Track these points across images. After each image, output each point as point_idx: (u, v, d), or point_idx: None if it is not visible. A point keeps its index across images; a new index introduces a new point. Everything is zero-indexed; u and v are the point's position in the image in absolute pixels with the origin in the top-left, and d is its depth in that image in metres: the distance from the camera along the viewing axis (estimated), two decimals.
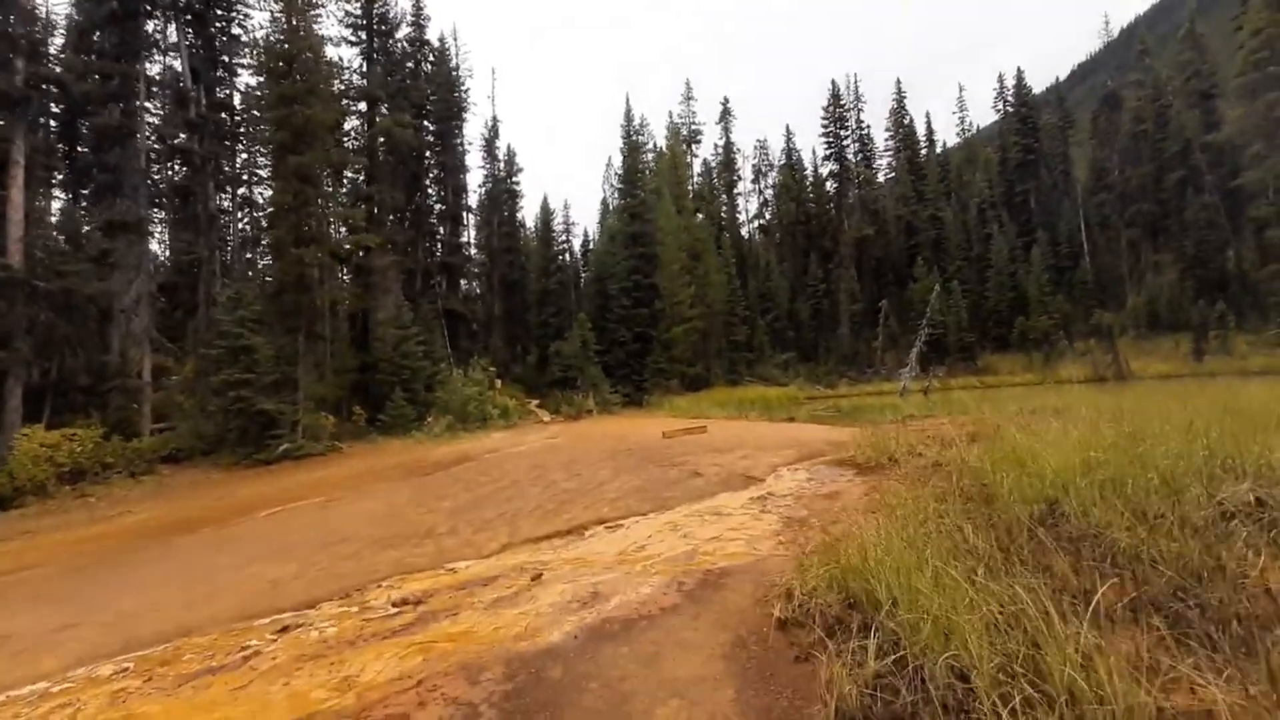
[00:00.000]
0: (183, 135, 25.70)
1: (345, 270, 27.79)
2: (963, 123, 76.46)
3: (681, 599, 4.34)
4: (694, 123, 60.09)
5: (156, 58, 26.54)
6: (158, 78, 26.89)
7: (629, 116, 37.09)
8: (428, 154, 32.85)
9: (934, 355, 43.30)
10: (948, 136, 77.41)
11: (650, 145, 55.91)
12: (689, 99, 60.14)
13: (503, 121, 46.32)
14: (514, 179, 47.15)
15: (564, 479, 9.80)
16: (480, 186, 46.38)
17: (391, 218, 33.15)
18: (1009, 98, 65.81)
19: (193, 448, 19.39)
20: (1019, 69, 63.59)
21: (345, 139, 27.24)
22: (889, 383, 43.71)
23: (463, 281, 37.46)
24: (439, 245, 33.77)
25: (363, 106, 27.80)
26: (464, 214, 36.55)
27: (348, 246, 24.78)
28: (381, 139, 27.59)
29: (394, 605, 5.16)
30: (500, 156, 45.61)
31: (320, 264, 21.39)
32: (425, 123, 32.92)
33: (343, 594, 5.63)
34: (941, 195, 59.89)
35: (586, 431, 19.92)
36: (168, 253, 30.32)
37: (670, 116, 57.28)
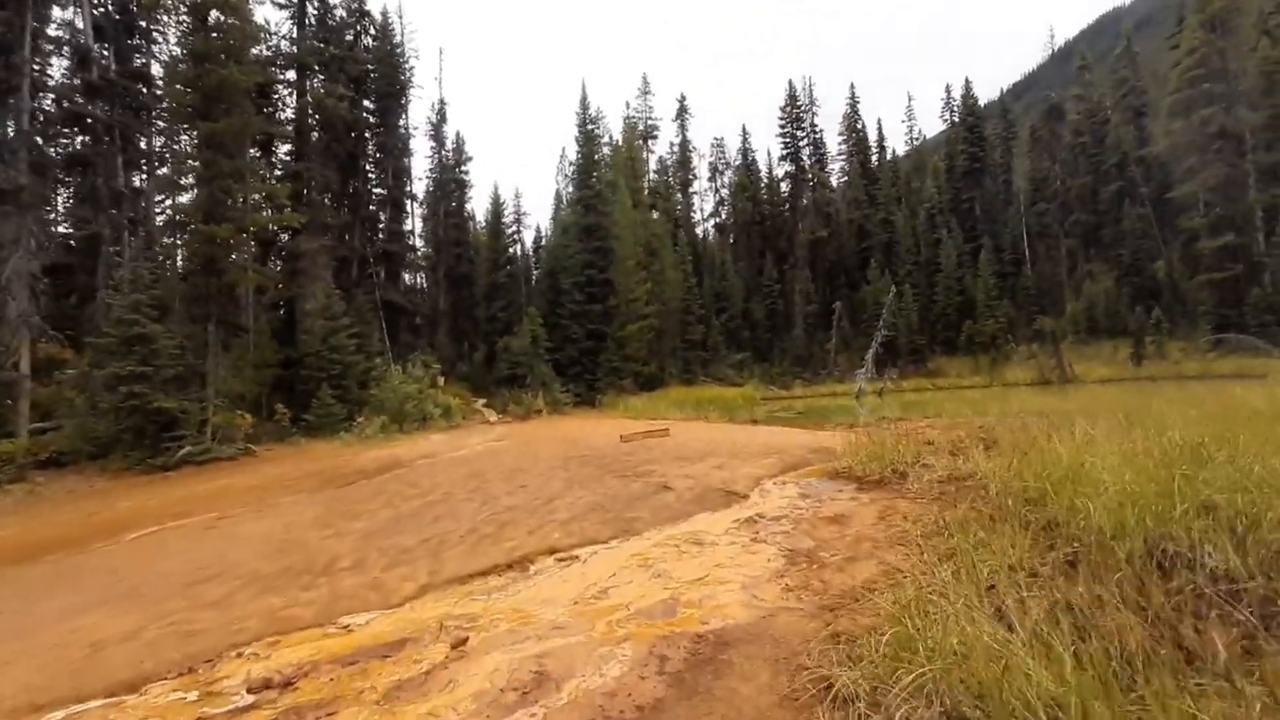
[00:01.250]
0: (80, 99, 22.79)
1: (271, 255, 25.25)
2: (911, 131, 77.94)
3: (666, 689, 2.96)
4: (650, 117, 59.01)
5: (58, 12, 23.55)
6: (63, 35, 23.87)
7: (584, 104, 35.56)
8: (367, 134, 30.46)
9: (886, 357, 43.36)
10: (897, 145, 79.02)
11: (606, 138, 54.54)
12: (646, 93, 59.03)
13: (450, 105, 43.89)
14: (463, 167, 44.93)
15: (507, 492, 8.28)
16: (428, 174, 43.95)
17: (328, 200, 30.69)
18: (955, 108, 67.39)
19: (79, 450, 16.85)
20: (966, 79, 65.06)
21: (272, 110, 24.72)
22: (843, 384, 43.53)
23: (406, 273, 35.09)
24: (379, 232, 31.37)
25: (291, 75, 25.35)
26: (406, 201, 34.19)
27: (272, 227, 22.37)
28: (313, 112, 25.21)
29: (250, 691, 3.59)
30: (448, 143, 43.33)
31: (235, 245, 19.05)
32: (365, 100, 30.53)
33: (185, 668, 4.01)
34: (893, 200, 60.59)
35: (535, 434, 18.34)
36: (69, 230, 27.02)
37: (627, 108, 55.90)
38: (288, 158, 25.01)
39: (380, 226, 31.30)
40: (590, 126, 35.57)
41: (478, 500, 8.02)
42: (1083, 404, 13.39)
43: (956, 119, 66.41)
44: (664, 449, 10.66)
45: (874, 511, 5.56)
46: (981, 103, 65.68)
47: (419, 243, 41.41)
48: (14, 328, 17.50)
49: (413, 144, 40.44)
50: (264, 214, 20.33)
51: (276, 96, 25.20)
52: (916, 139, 78.05)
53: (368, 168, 31.30)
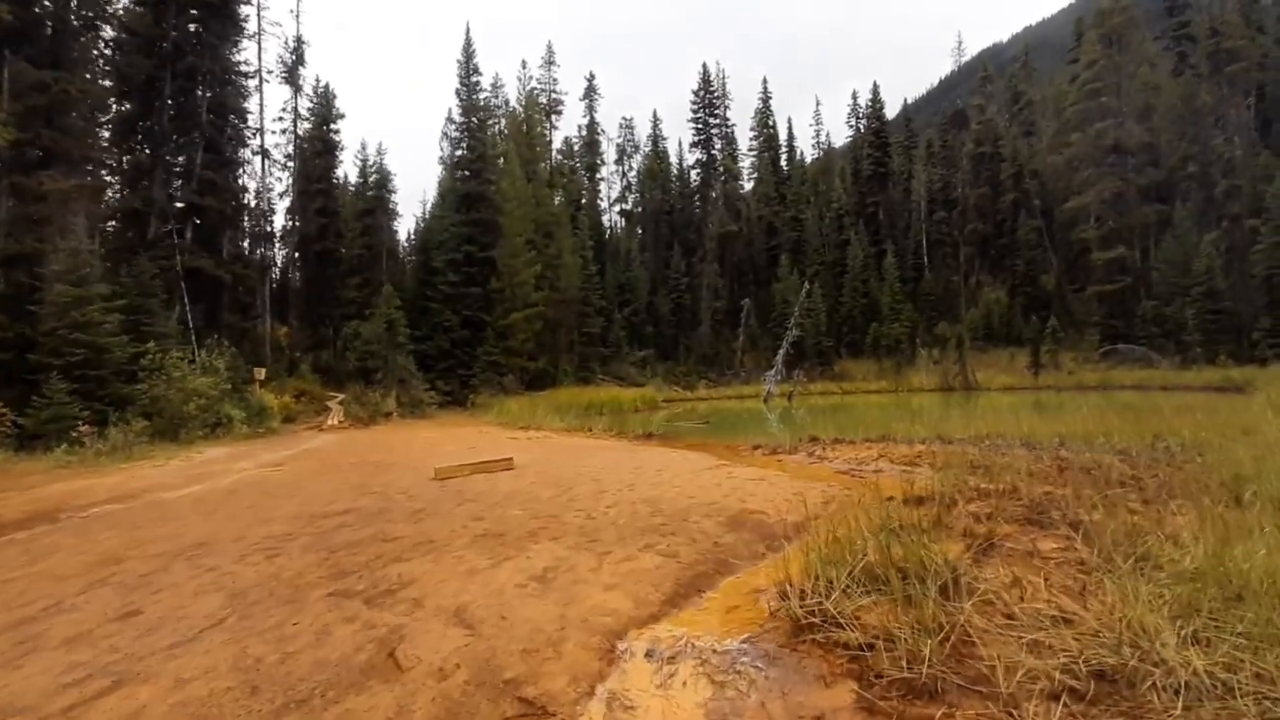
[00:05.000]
0: None
1: (3, 195, 18.32)
2: (819, 136, 77.80)
3: None
4: (555, 91, 53.99)
5: None
6: None
7: (469, 51, 30.15)
8: (172, 49, 23.65)
9: (795, 359, 41.10)
10: (806, 149, 78.48)
11: (503, 108, 49.16)
12: (550, 63, 53.94)
13: (309, 45, 36.47)
14: (332, 125, 38.07)
15: (68, 638, 3.65)
16: (281, 125, 36.76)
17: (109, 134, 23.69)
18: (862, 114, 67.33)
19: None
20: (875, 84, 65.17)
21: None
22: (749, 386, 40.91)
23: (234, 238, 28.29)
24: (191, 181, 24.55)
25: None
26: (234, 146, 27.40)
27: None
28: (77, 4, 18.56)
29: None
30: (306, 89, 36.41)
31: None
32: (171, 2, 23.73)
33: None
34: (803, 200, 59.20)
35: (346, 450, 13.34)
36: None
37: (524, 67, 50.55)
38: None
39: (191, 172, 24.48)
40: (474, 78, 30.31)
41: None
42: (1051, 425, 10.33)
43: (863, 126, 66.28)
44: (488, 499, 6.27)
45: None
46: (889, 114, 65.95)
47: (261, 202, 34.45)
48: None
49: (267, 91, 33.66)
50: None
51: None
52: (824, 144, 78.01)
53: (178, 98, 24.45)
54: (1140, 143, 41.76)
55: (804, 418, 19.45)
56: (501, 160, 33.31)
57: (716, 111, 55.16)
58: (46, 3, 18.46)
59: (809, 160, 73.37)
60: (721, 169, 56.55)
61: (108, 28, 22.40)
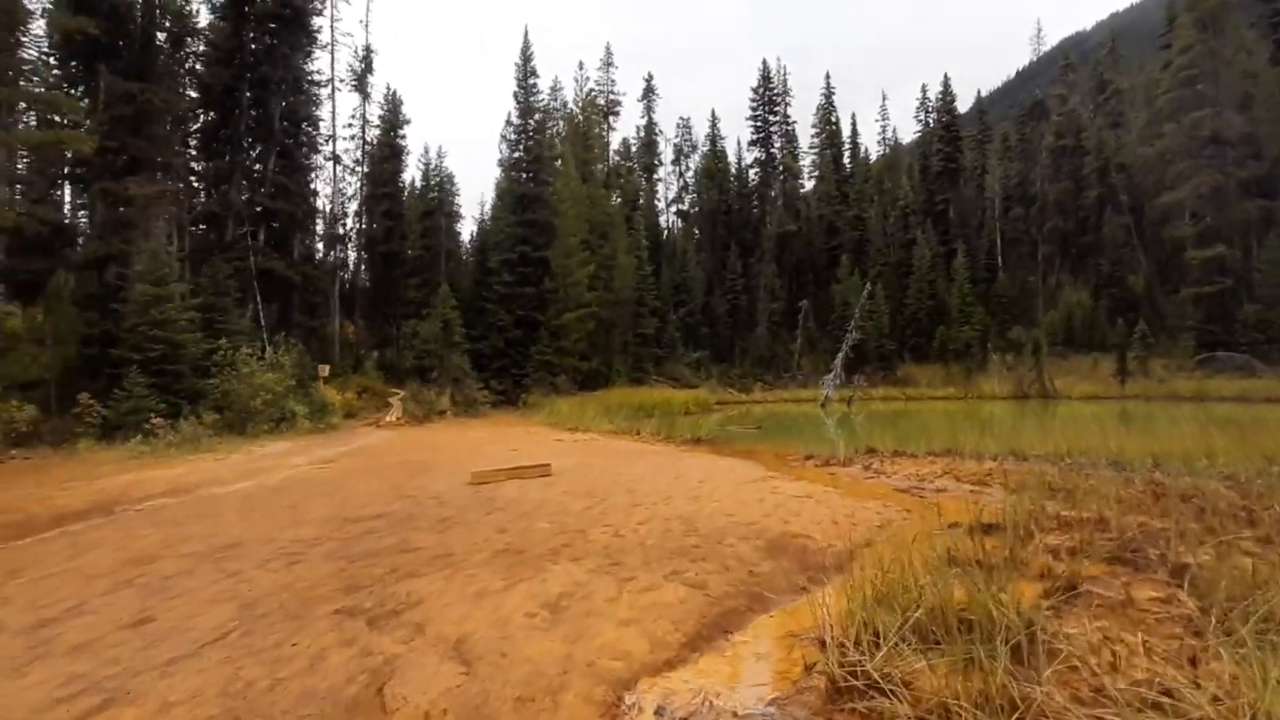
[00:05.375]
0: None
1: (97, 200, 19.65)
2: (884, 132, 74.97)
3: None
4: (613, 92, 54.08)
5: None
6: None
7: (526, 54, 30.42)
8: (252, 60, 24.85)
9: (855, 363, 39.59)
10: (870, 146, 76.19)
11: (562, 109, 49.55)
12: (609, 65, 54.08)
13: (385, 58, 38.13)
14: (399, 131, 39.38)
15: (77, 644, 3.62)
16: (350, 131, 38.22)
17: (195, 141, 25.07)
18: (932, 108, 64.34)
19: None
20: (945, 77, 62.08)
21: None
22: (806, 390, 39.72)
23: (304, 240, 29.54)
24: (265, 185, 25.74)
25: None
26: (306, 152, 28.59)
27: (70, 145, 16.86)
28: (163, 15, 19.67)
29: None
30: (375, 97, 37.71)
31: None
32: (252, 25, 24.96)
33: None
34: (866, 198, 57.12)
35: (395, 449, 13.49)
36: None
37: (583, 72, 50.83)
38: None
39: (265, 177, 25.67)
40: (531, 80, 30.54)
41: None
42: (1143, 441, 9.26)
43: (932, 121, 63.33)
44: (503, 519, 5.98)
45: None
46: (961, 108, 62.79)
47: (350, 210, 36.00)
48: None
49: (338, 99, 35.16)
50: (30, 131, 14.76)
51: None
52: (890, 141, 75.17)
53: (255, 108, 25.68)
54: (1241, 133, 38.07)
55: (862, 425, 18.54)
56: (558, 162, 33.51)
57: (776, 109, 53.98)
58: (136, 18, 19.64)
59: (873, 158, 70.85)
60: (781, 167, 55.28)
61: (193, 41, 23.67)
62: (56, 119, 15.72)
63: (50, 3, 19.36)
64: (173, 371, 17.30)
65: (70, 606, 4.20)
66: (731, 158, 60.26)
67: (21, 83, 14.08)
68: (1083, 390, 34.13)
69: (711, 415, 25.10)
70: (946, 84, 60.31)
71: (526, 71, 30.47)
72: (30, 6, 16.93)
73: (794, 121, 56.79)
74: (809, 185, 63.28)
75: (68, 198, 24.06)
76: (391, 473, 9.61)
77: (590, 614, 3.34)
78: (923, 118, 67.92)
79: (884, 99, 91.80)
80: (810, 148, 64.48)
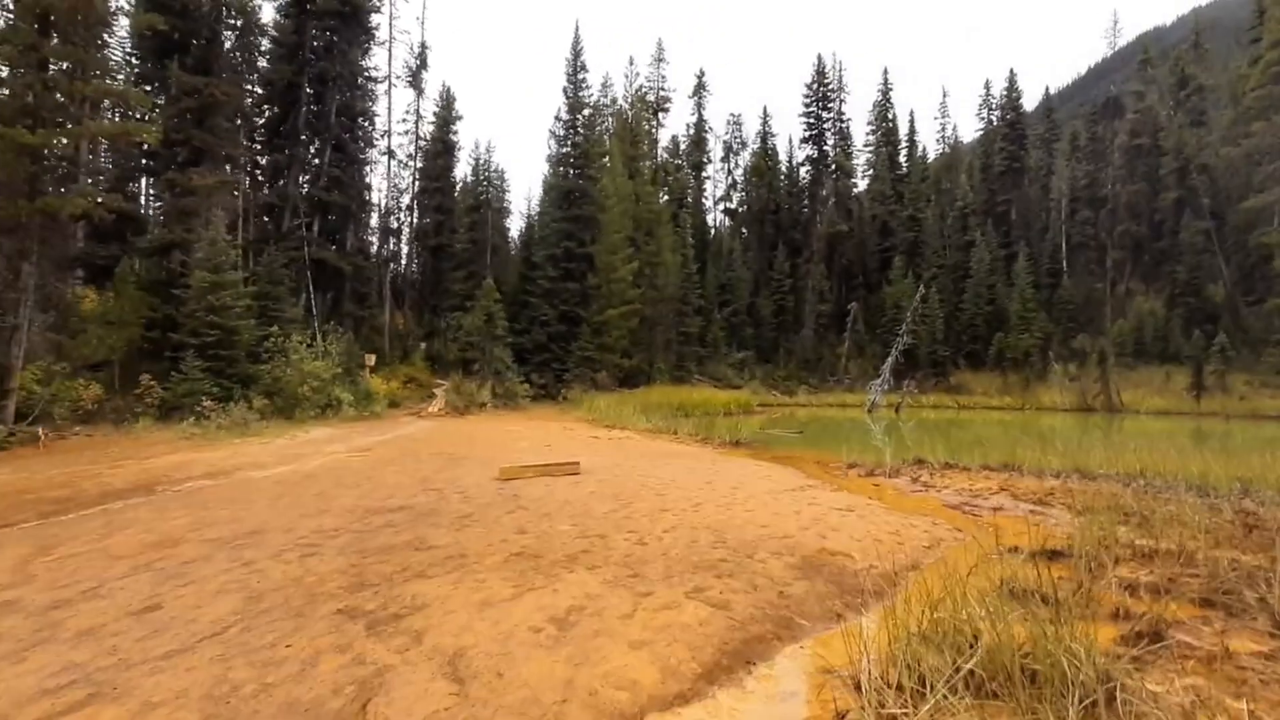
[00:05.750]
0: None
1: (163, 188, 20.48)
2: (943, 130, 72.29)
3: None
4: (663, 88, 53.72)
5: None
6: None
7: (576, 49, 30.36)
8: (312, 56, 25.54)
9: (905, 368, 38.21)
10: (928, 143, 73.71)
11: (611, 107, 49.48)
12: (660, 60, 53.75)
13: (438, 54, 38.78)
14: (452, 127, 40.09)
15: (79, 633, 3.57)
16: (404, 127, 39.04)
17: (259, 135, 25.92)
18: (995, 104, 61.55)
19: None
20: (1011, 72, 59.26)
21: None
22: (853, 394, 38.58)
23: (356, 231, 30.25)
24: (319, 177, 26.44)
25: None
26: (361, 146, 29.24)
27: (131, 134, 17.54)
28: (229, 12, 20.34)
29: None
30: (428, 91, 38.41)
31: (66, 158, 14.31)
32: (313, 21, 25.62)
33: None
34: (922, 198, 55.10)
35: (431, 439, 13.51)
36: None
37: (634, 68, 50.57)
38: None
39: (319, 168, 26.36)
40: (581, 75, 30.45)
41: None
42: (1229, 464, 8.39)
43: (995, 119, 60.61)
44: (525, 519, 5.73)
45: None
46: (1027, 106, 59.91)
47: (402, 204, 36.90)
48: None
49: (394, 95, 36.00)
50: (102, 122, 15.36)
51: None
52: (949, 139, 72.45)
53: (314, 104, 26.40)
54: None
55: (911, 433, 17.72)
56: (606, 158, 33.40)
57: (830, 105, 52.64)
58: (202, 14, 20.35)
59: (931, 157, 68.36)
60: (833, 165, 53.90)
61: (256, 36, 24.46)
62: (129, 113, 16.33)
63: (129, 2, 20.38)
64: (227, 356, 17.86)
65: (86, 589, 4.17)
66: (782, 156, 59.12)
67: (101, 79, 14.67)
68: (1153, 405, 32.05)
69: (753, 417, 24.54)
70: (1012, 80, 57.67)
71: (576, 67, 30.43)
72: (111, 6, 17.82)
73: (848, 119, 55.36)
74: (862, 185, 61.58)
75: (144, 189, 25.32)
76: (422, 464, 9.56)
77: (600, 632, 3.06)
78: (985, 115, 65.04)
79: (944, 95, 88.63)
80: (865, 145, 62.73)
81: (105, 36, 17.95)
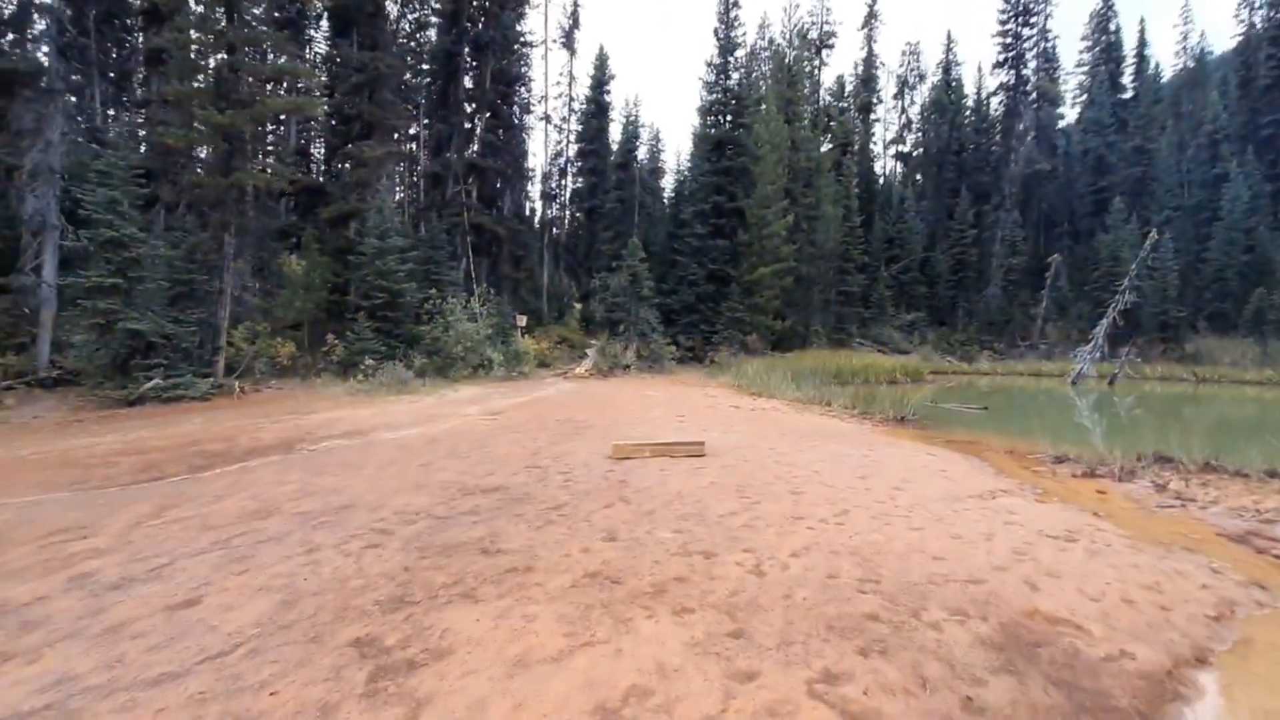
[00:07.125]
0: None
1: (339, 162, 22.21)
2: (1185, 39, 58.31)
3: None
4: (827, 21, 48.87)
5: None
6: None
7: None
8: (468, 24, 26.13)
9: (1124, 332, 31.79)
10: (1163, 58, 59.00)
11: (768, 49, 45.98)
12: None
13: (584, 7, 38.53)
14: (605, 88, 39.91)
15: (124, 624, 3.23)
16: (558, 90, 39.46)
17: (414, 108, 27.25)
18: (1260, 2, 47.88)
19: (84, 370, 14.85)
20: None
21: None
22: (1050, 362, 33.06)
23: (510, 196, 31.14)
24: (472, 143, 27.34)
25: None
26: (517, 111, 29.74)
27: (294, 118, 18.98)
28: None
29: None
30: (580, 53, 38.20)
31: (251, 136, 15.69)
32: None
33: None
34: (1154, 125, 45.02)
35: (565, 404, 13.14)
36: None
37: (793, 2, 46.42)
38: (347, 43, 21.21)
39: (476, 136, 27.22)
40: (734, 13, 28.09)
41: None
42: None
43: (1261, 19, 47.27)
44: (620, 518, 4.70)
45: None
46: None
47: (543, 164, 37.74)
48: (33, 226, 15.73)
49: (550, 59, 36.47)
50: (277, 98, 16.60)
51: None
52: (1193, 50, 58.38)
53: (470, 72, 27.18)
54: None
55: (1136, 416, 14.15)
56: (761, 105, 30.96)
57: (1033, 20, 44.51)
58: None
59: (1167, 75, 55.58)
60: (1034, 93, 45.80)
61: (419, 6, 25.48)
62: (300, 87, 17.59)
63: None
64: (393, 318, 19.10)
65: (156, 566, 3.92)
66: (969, 88, 51.37)
67: (277, 58, 15.80)
68: None
69: (922, 387, 21.65)
70: None
71: (729, 4, 28.14)
72: None
73: (1055, 36, 46.43)
74: (1071, 115, 51.86)
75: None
76: (543, 433, 9.05)
77: None
78: (1245, 16, 51.07)
79: None
80: (1077, 66, 52.64)
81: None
